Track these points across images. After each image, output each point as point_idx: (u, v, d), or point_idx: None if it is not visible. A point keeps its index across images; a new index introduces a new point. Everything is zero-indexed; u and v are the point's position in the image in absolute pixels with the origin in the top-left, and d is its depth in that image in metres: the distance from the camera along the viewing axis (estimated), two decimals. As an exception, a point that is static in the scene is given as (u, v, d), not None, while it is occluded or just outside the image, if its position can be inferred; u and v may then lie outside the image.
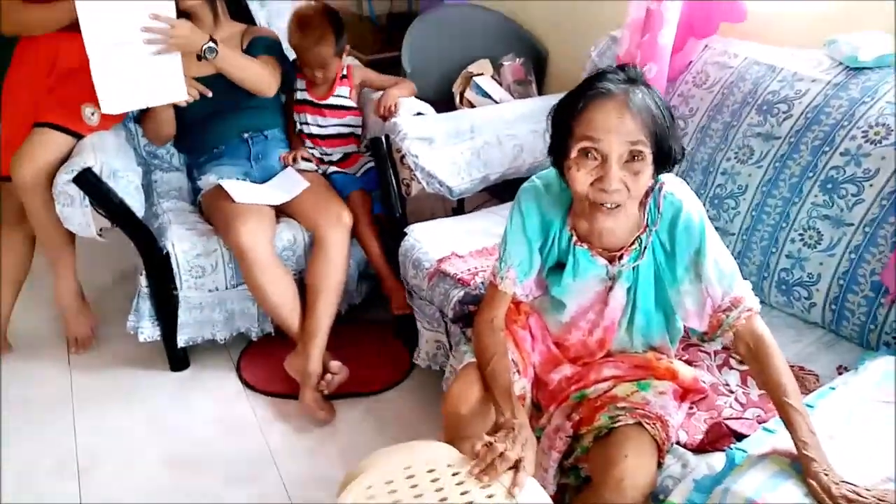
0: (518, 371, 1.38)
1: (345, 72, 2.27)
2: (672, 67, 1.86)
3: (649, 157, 1.16)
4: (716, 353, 1.53)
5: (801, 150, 1.55)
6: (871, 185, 1.43)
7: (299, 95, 2.28)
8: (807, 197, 1.53)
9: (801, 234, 1.54)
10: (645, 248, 1.28)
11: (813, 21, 1.75)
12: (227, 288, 2.07)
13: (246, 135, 2.21)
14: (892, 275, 1.37)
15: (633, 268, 1.30)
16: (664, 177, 1.26)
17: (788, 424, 1.10)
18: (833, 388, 1.28)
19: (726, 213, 1.68)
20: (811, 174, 1.53)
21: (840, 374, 1.43)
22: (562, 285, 1.36)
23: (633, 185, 1.16)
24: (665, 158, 1.19)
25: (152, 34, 1.85)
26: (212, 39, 1.97)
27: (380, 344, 2.23)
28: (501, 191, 2.35)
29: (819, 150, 1.52)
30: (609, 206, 1.19)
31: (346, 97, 2.28)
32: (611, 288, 1.33)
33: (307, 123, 2.29)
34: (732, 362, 1.50)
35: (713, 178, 1.72)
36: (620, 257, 1.30)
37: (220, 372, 2.15)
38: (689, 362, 1.50)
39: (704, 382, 1.41)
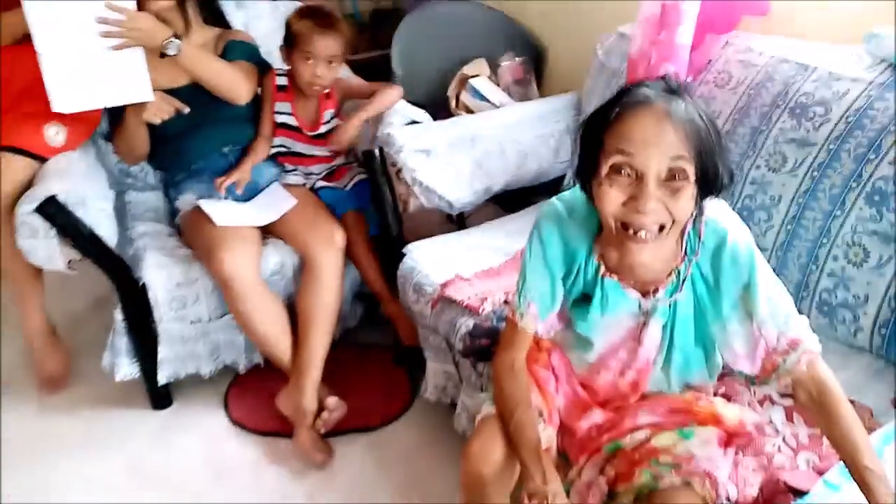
0: (543, 418, 1.23)
1: (327, 90, 2.05)
2: (690, 66, 1.71)
3: (692, 177, 1.01)
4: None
5: (841, 157, 1.41)
6: (925, 198, 1.29)
7: (283, 119, 2.06)
8: (850, 210, 1.38)
9: (844, 251, 1.39)
10: (684, 280, 1.13)
11: (845, 14, 1.59)
12: (210, 319, 1.90)
13: (226, 149, 2.03)
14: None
15: (670, 303, 1.15)
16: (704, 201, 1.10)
17: (864, 488, 0.96)
18: (898, 431, 1.14)
19: (757, 227, 1.54)
20: (855, 184, 1.38)
21: (895, 406, 1.30)
22: (588, 321, 1.21)
23: (674, 206, 1.01)
24: (710, 181, 1.03)
25: (108, 26, 1.66)
26: (175, 35, 1.79)
27: (379, 371, 2.07)
28: (503, 199, 2.19)
29: (864, 157, 1.37)
30: (644, 234, 1.03)
31: (334, 118, 2.08)
32: (644, 324, 1.18)
33: (289, 148, 2.09)
34: (775, 396, 1.36)
35: (741, 188, 1.57)
36: (655, 290, 1.15)
37: (206, 409, 1.98)
38: (726, 396, 1.35)
39: (751, 426, 1.27)
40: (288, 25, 1.99)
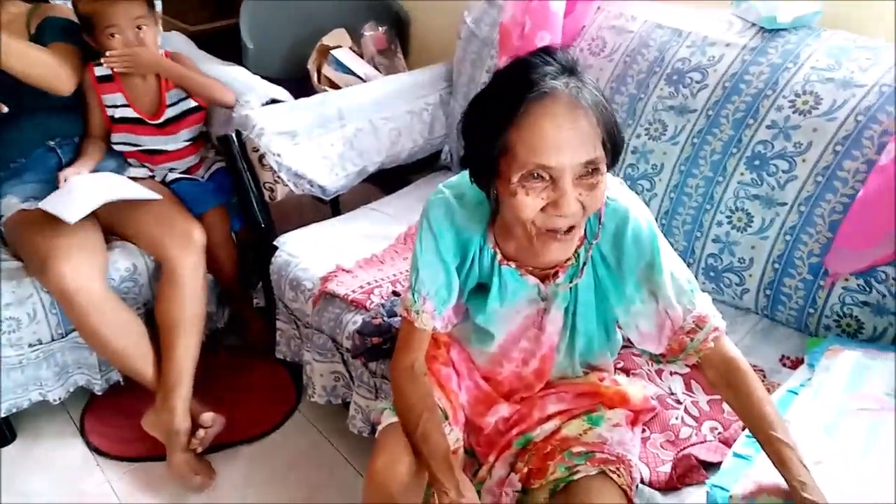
0: (448, 420, 1.15)
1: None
2: (563, 34, 1.65)
3: (604, 167, 0.94)
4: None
5: (721, 123, 1.41)
6: (803, 161, 1.31)
7: (119, 113, 1.77)
8: (732, 175, 1.39)
9: (728, 217, 1.40)
10: (584, 263, 1.07)
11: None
12: (53, 339, 1.65)
13: (52, 142, 1.76)
14: (835, 257, 1.27)
15: (570, 287, 1.09)
16: (601, 178, 1.04)
17: (779, 462, 0.95)
18: (795, 392, 1.16)
19: (641, 196, 1.50)
20: (735, 150, 1.39)
21: (784, 365, 1.33)
22: (487, 312, 1.13)
23: (590, 201, 0.93)
24: (614, 160, 0.97)
25: None
26: None
27: (256, 374, 1.90)
28: (378, 178, 2.06)
29: (742, 122, 1.38)
30: (564, 232, 0.96)
31: (184, 98, 1.80)
32: (545, 311, 1.12)
33: (135, 145, 1.81)
34: (672, 366, 1.36)
35: (622, 157, 1.55)
36: (555, 275, 1.09)
37: (60, 440, 1.74)
38: (625, 371, 1.34)
39: (653, 398, 1.25)
40: (76, 8, 1.69)
